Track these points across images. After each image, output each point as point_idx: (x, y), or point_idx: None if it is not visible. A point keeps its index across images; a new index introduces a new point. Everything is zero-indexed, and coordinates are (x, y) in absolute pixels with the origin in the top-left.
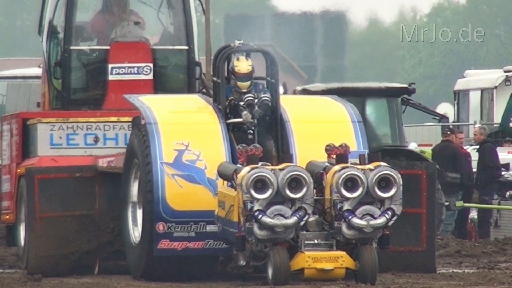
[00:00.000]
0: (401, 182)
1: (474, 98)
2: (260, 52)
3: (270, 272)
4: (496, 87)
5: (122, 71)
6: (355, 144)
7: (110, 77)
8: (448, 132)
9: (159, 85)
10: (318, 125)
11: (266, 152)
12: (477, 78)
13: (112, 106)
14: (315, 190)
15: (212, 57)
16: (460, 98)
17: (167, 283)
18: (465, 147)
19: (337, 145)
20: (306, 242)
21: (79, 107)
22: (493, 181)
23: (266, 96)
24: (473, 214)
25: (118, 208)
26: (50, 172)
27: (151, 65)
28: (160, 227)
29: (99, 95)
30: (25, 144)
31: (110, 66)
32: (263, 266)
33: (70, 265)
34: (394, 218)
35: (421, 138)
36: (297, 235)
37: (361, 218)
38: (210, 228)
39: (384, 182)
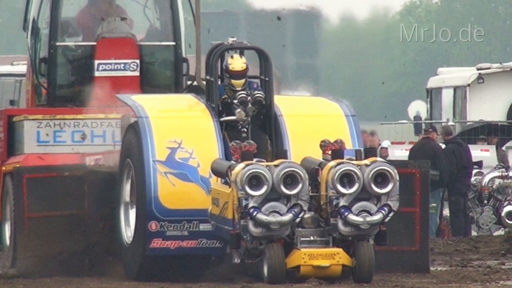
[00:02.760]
0: (398, 178)
1: (447, 96)
2: (254, 50)
3: (265, 269)
4: (469, 85)
5: (108, 67)
6: (349, 138)
7: (97, 74)
8: (430, 130)
9: (146, 81)
10: (311, 119)
11: (261, 149)
12: (450, 76)
13: (99, 103)
14: (310, 187)
15: (206, 55)
16: (433, 96)
17: (145, 282)
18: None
19: (332, 140)
20: (302, 239)
21: (65, 104)
22: (458, 181)
23: (259, 93)
24: (446, 212)
25: (107, 208)
26: (39, 171)
27: (137, 61)
28: (153, 226)
29: (85, 92)
30: (11, 141)
31: (96, 62)
32: (258, 264)
33: (59, 265)
34: (391, 214)
35: (394, 136)
36: (292, 232)
37: (357, 215)
38: (203, 226)
39: (381, 178)
